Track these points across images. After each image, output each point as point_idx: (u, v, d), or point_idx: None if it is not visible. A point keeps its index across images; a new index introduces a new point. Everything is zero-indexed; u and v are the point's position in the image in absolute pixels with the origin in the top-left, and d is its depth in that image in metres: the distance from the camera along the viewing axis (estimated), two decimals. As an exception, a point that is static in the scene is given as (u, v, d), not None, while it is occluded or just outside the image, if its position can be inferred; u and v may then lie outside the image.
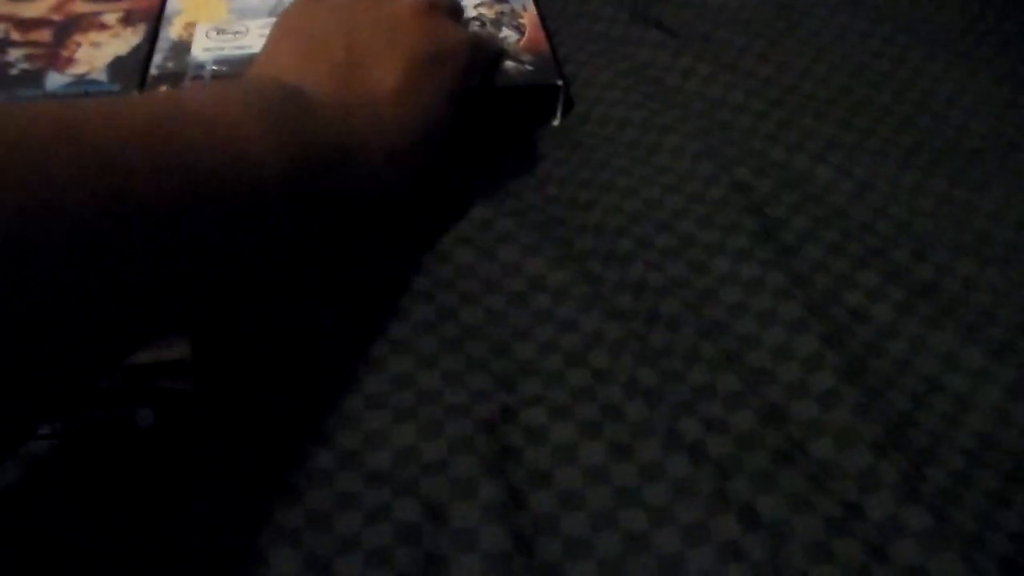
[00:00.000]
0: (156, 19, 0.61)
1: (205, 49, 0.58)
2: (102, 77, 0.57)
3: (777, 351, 0.43)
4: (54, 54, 0.59)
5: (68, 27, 0.61)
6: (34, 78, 0.57)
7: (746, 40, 0.63)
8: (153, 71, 0.57)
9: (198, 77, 0.56)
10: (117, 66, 0.57)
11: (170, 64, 0.57)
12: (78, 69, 0.57)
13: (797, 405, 0.41)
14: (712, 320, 0.45)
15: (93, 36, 0.60)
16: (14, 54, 0.59)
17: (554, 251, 0.49)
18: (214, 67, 0.57)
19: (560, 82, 0.57)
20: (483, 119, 0.57)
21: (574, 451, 0.40)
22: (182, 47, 0.59)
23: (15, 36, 0.60)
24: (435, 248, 0.49)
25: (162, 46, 0.59)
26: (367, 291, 0.47)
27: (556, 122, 0.58)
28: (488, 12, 0.62)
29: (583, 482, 0.39)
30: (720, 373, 0.42)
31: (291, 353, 0.44)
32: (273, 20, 0.58)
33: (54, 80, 0.57)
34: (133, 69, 0.57)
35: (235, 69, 0.57)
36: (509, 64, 0.58)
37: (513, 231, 0.50)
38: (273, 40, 0.47)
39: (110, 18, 0.61)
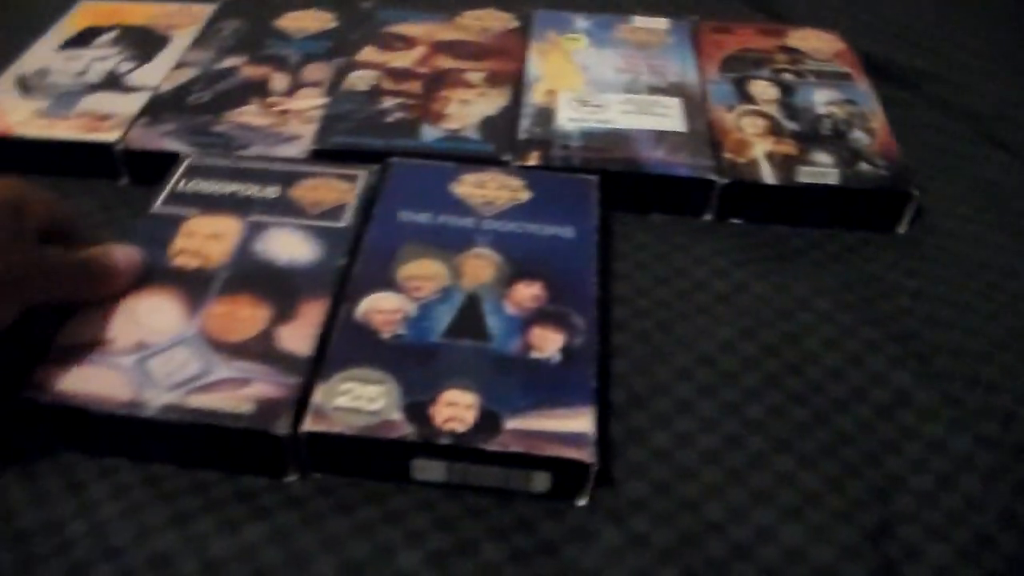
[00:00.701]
0: (518, 83, 0.64)
1: (570, 119, 0.61)
2: (474, 135, 0.60)
3: None
4: (425, 107, 0.62)
5: (436, 81, 0.65)
6: (410, 128, 0.61)
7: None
8: (522, 135, 0.60)
9: (565, 147, 0.59)
10: (488, 126, 0.61)
11: (537, 130, 0.60)
12: (451, 124, 0.61)
13: None
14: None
15: (461, 93, 0.63)
16: (388, 102, 0.63)
17: (916, 366, 0.49)
18: (579, 140, 0.59)
19: (916, 191, 0.57)
20: (834, 218, 0.58)
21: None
22: (546, 114, 0.62)
23: (387, 85, 0.65)
24: (802, 347, 0.50)
25: (527, 111, 0.62)
26: (745, 385, 0.48)
27: (902, 229, 0.59)
28: (839, 111, 0.63)
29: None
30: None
31: (679, 446, 0.46)
32: (629, 96, 0.60)
33: (429, 132, 0.60)
34: (503, 130, 0.60)
35: (599, 143, 0.59)
36: (863, 166, 0.58)
37: (877, 340, 0.51)
38: None
39: (475, 77, 0.65)
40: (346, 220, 0.53)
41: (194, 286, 0.49)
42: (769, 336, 0.51)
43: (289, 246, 0.51)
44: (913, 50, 0.73)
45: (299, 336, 0.46)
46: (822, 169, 0.58)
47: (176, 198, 0.54)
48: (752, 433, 0.46)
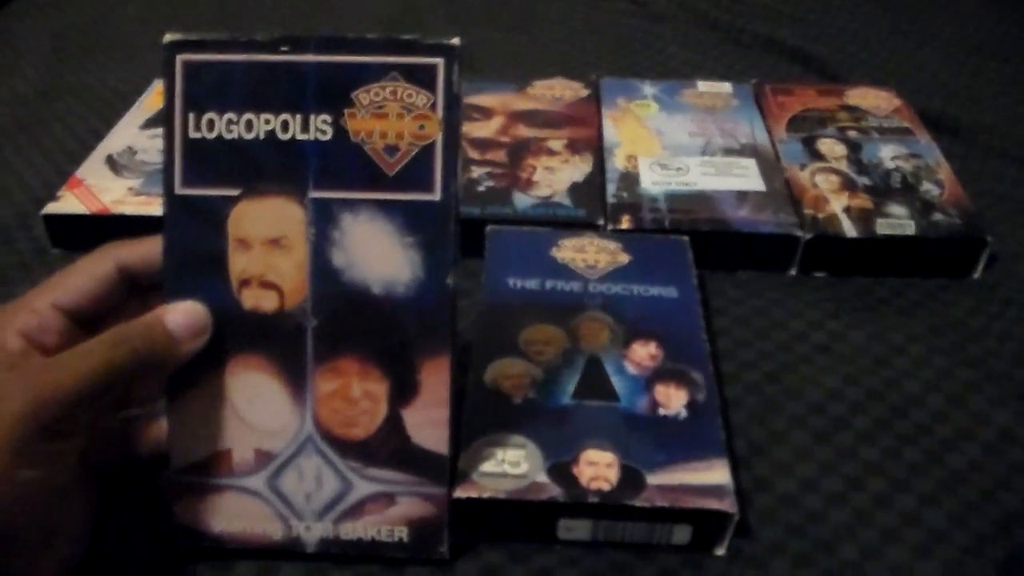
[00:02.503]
0: (598, 149, 0.68)
1: (654, 183, 0.64)
2: (566, 201, 0.63)
3: None
4: (513, 175, 0.65)
5: (520, 150, 0.68)
6: (502, 197, 0.63)
7: None
8: (611, 199, 0.63)
9: (653, 209, 0.62)
10: (577, 192, 0.64)
11: (624, 194, 0.63)
12: (541, 191, 0.64)
13: None
14: None
15: (545, 160, 0.67)
16: (476, 171, 0.66)
17: (1017, 405, 0.52)
18: (665, 202, 0.62)
19: (990, 237, 0.60)
20: (911, 267, 0.61)
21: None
22: (630, 178, 0.65)
23: (473, 155, 0.68)
24: (905, 391, 0.52)
25: (611, 176, 0.65)
26: (856, 429, 0.51)
27: (977, 275, 0.61)
28: (906, 165, 0.66)
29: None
30: None
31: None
32: (707, 158, 0.63)
33: (521, 200, 0.63)
34: (592, 196, 0.63)
35: (685, 204, 0.62)
36: (937, 216, 0.61)
37: (974, 381, 0.53)
38: None
39: (556, 144, 0.68)
40: (437, 185, 0.40)
41: (284, 346, 0.41)
42: (871, 382, 0.53)
43: (376, 253, 0.40)
44: (961, 103, 0.77)
45: (430, 424, 0.42)
46: (899, 220, 0.61)
47: (196, 154, 0.40)
48: (871, 475, 0.48)
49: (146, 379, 0.41)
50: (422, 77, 0.40)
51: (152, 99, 0.77)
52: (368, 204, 0.40)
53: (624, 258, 0.57)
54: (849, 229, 0.60)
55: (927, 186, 0.64)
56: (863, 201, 0.62)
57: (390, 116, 0.40)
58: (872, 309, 0.59)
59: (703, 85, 0.74)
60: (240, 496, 0.43)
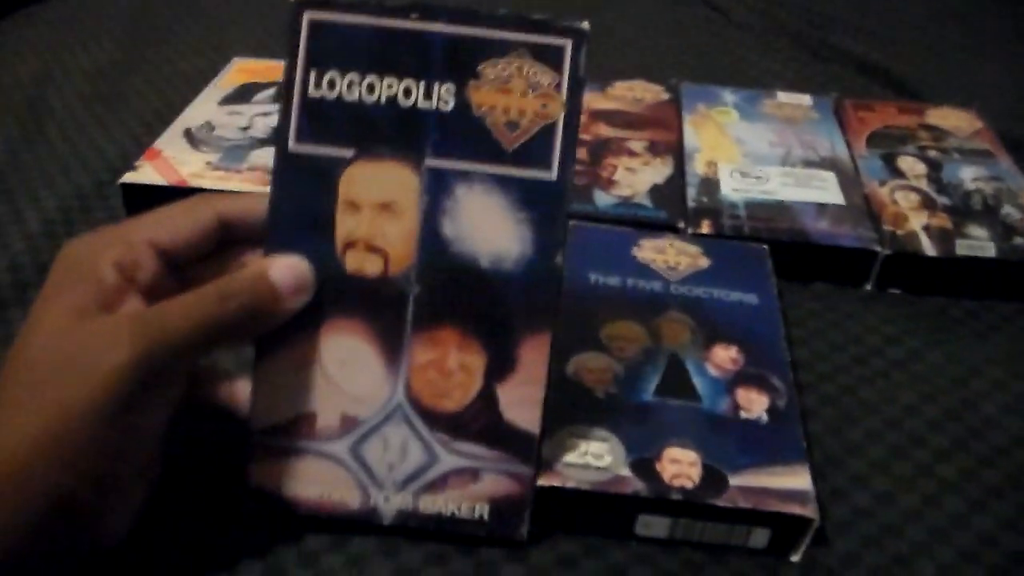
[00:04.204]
0: (679, 153, 0.68)
1: (734, 190, 0.65)
2: (646, 202, 0.63)
3: None
4: (594, 173, 0.66)
5: (600, 149, 0.68)
6: (583, 194, 0.64)
7: None
8: (691, 203, 0.63)
9: (733, 216, 0.62)
10: (657, 194, 0.64)
11: (704, 199, 0.64)
12: (622, 191, 0.64)
13: None
14: None
15: (626, 161, 0.67)
16: (557, 168, 0.66)
17: (1093, 434, 0.52)
18: (745, 209, 0.63)
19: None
20: (988, 289, 0.61)
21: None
22: (711, 184, 0.65)
23: (553, 151, 0.68)
24: (982, 413, 0.53)
25: (691, 180, 0.65)
26: (933, 447, 0.51)
27: (1054, 303, 0.61)
28: (987, 187, 0.66)
29: None
30: None
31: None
32: (787, 169, 0.64)
33: (602, 199, 0.64)
34: (673, 198, 0.64)
35: (764, 213, 0.62)
36: (1018, 240, 0.61)
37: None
38: None
39: (637, 146, 0.69)
40: (555, 164, 0.40)
41: (383, 311, 0.41)
42: (948, 401, 0.53)
43: (487, 226, 0.40)
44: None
45: (524, 402, 0.41)
46: (979, 242, 0.61)
47: (313, 112, 0.40)
48: (949, 494, 0.48)
49: (247, 335, 0.40)
50: (549, 57, 0.40)
51: (230, 76, 0.78)
52: (484, 177, 0.40)
53: (704, 262, 0.58)
54: (928, 248, 0.60)
55: (1008, 209, 0.64)
56: (943, 221, 0.62)
57: (514, 92, 0.40)
58: (948, 329, 0.59)
59: (783, 96, 0.74)
60: (320, 461, 0.42)
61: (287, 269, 0.39)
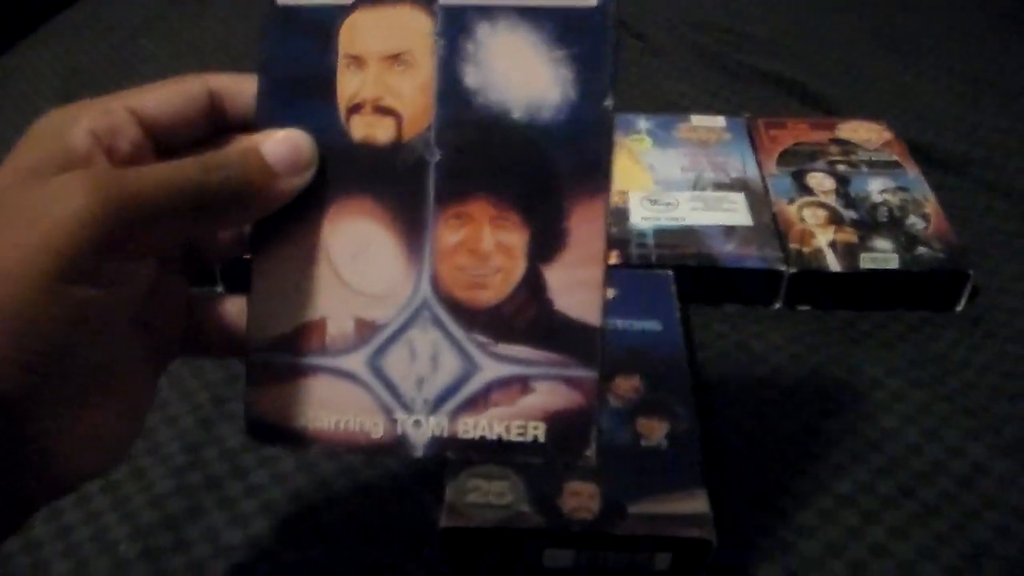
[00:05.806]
0: (592, 185, 0.69)
1: (643, 218, 0.66)
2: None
3: None
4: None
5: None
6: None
7: None
8: (602, 234, 0.65)
9: (641, 245, 0.64)
10: (569, 227, 0.65)
11: (613, 230, 0.65)
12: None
13: None
14: None
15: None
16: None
17: (991, 439, 0.54)
18: (653, 237, 0.64)
19: (971, 271, 0.62)
20: (895, 300, 0.62)
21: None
22: (620, 214, 0.67)
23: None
24: (881, 425, 0.54)
25: (603, 211, 0.67)
26: (831, 462, 0.52)
27: (960, 308, 0.63)
28: (893, 199, 0.68)
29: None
30: None
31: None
32: (696, 193, 0.65)
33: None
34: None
35: (672, 239, 0.64)
36: (921, 250, 0.63)
37: (950, 415, 0.55)
38: None
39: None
40: None
41: (399, 185, 0.34)
42: (850, 416, 0.55)
43: (518, 70, 0.33)
44: (953, 136, 0.78)
45: (579, 286, 0.33)
46: (883, 255, 0.62)
47: None
48: (844, 508, 0.50)
49: (234, 218, 0.33)
50: None
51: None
52: (509, 11, 0.33)
53: (609, 293, 0.59)
54: (833, 263, 0.62)
55: (913, 220, 0.66)
56: (849, 235, 0.64)
57: None
58: (854, 342, 0.60)
59: (696, 119, 0.76)
60: (333, 381, 0.34)
61: (282, 142, 0.33)
